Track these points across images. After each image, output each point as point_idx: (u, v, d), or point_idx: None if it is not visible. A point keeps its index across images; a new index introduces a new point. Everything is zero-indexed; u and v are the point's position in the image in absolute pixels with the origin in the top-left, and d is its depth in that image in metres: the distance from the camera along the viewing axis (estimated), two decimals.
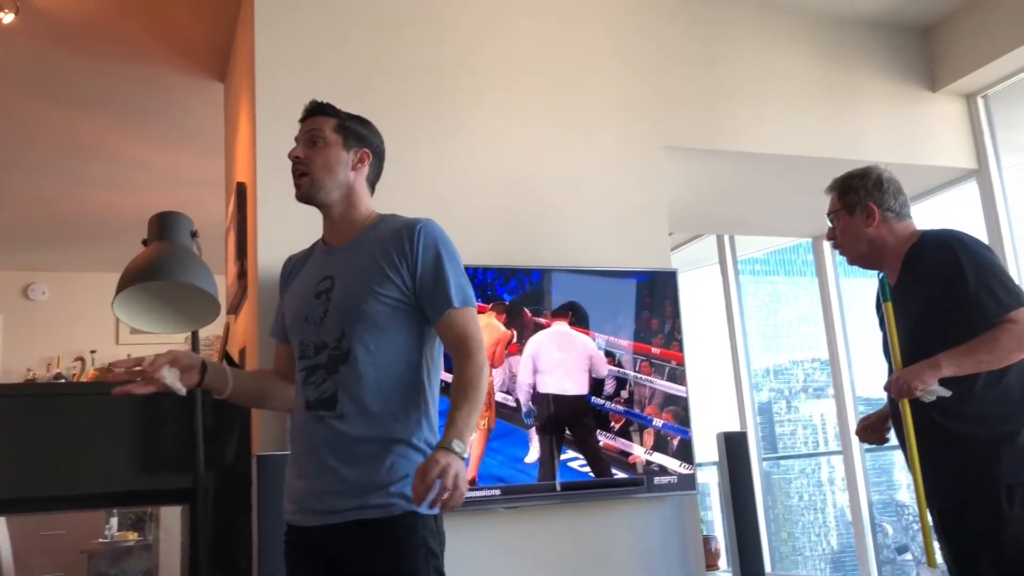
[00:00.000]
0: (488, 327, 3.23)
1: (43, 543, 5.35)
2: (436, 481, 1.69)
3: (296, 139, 2.07)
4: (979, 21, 4.21)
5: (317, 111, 2.07)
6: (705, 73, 4.01)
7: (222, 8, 3.82)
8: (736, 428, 4.92)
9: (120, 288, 2.72)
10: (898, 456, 2.63)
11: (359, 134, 2.07)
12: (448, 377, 1.93)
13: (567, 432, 3.30)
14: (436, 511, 1.85)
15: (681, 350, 3.53)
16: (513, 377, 3.27)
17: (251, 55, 3.33)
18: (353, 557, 1.82)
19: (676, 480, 3.42)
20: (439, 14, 3.60)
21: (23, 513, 4.28)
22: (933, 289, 2.31)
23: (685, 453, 3.45)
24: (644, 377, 3.45)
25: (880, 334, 2.49)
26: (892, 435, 2.50)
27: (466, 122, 3.53)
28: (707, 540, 5.43)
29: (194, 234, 2.96)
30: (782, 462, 6.03)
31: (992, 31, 4.14)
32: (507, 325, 3.29)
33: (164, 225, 2.93)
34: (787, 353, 6.12)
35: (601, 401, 3.38)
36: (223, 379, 2.07)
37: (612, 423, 3.38)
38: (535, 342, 3.31)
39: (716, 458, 3.56)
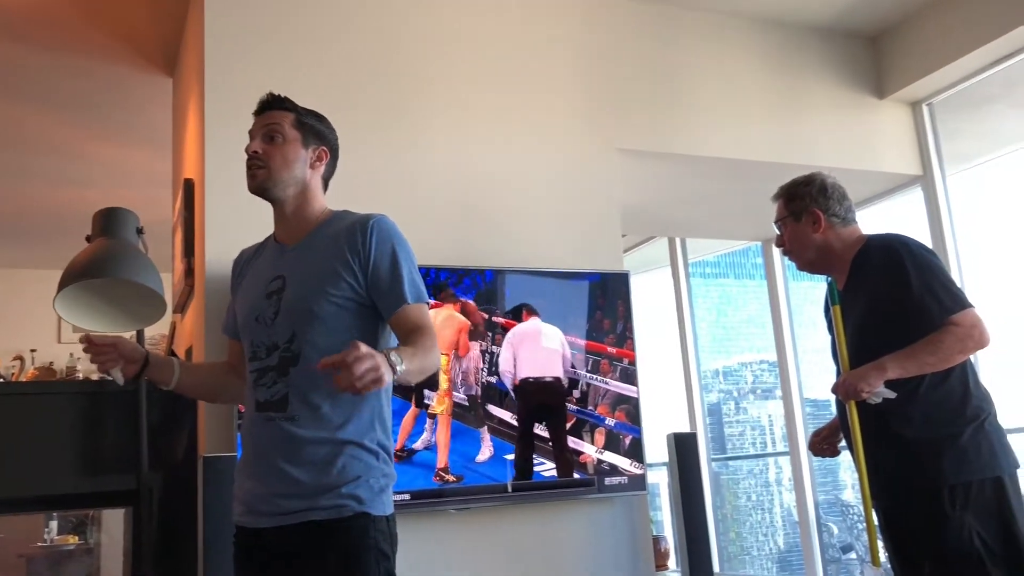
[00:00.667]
0: (449, 319, 3.24)
1: None
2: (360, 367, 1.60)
3: (250, 133, 2.01)
4: (926, 30, 4.30)
5: (275, 104, 2.02)
6: (658, 77, 4.04)
7: (171, 2, 3.75)
8: (686, 429, 4.97)
9: (62, 285, 2.65)
10: (844, 457, 2.66)
11: (318, 131, 2.04)
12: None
13: (540, 424, 3.33)
14: (388, 512, 1.83)
15: (633, 350, 3.55)
16: (466, 373, 3.26)
17: (200, 50, 3.27)
18: (303, 559, 1.80)
19: (627, 480, 3.44)
20: (393, 12, 3.57)
21: None
22: (879, 292, 2.35)
23: (636, 452, 3.47)
24: (597, 377, 3.47)
25: (829, 337, 2.53)
26: (844, 445, 2.54)
27: (419, 122, 3.51)
28: (657, 540, 5.47)
29: (140, 231, 2.90)
30: (731, 462, 6.10)
31: (938, 40, 4.23)
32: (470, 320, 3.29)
33: (109, 221, 2.86)
34: (736, 355, 6.20)
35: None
36: (168, 371, 2.04)
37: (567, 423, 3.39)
38: (516, 334, 3.34)
39: (666, 459, 3.59)
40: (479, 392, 3.28)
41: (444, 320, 3.23)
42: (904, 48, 4.40)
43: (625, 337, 3.55)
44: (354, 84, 3.41)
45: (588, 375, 3.47)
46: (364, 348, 1.62)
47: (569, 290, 3.51)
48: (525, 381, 3.35)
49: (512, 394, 3.32)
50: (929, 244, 3.85)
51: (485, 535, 3.26)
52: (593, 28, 3.96)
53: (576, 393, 3.44)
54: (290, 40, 3.36)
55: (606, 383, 3.48)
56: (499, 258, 3.46)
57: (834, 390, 2.37)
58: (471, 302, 3.30)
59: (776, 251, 5.24)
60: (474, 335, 3.29)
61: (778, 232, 2.59)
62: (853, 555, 5.09)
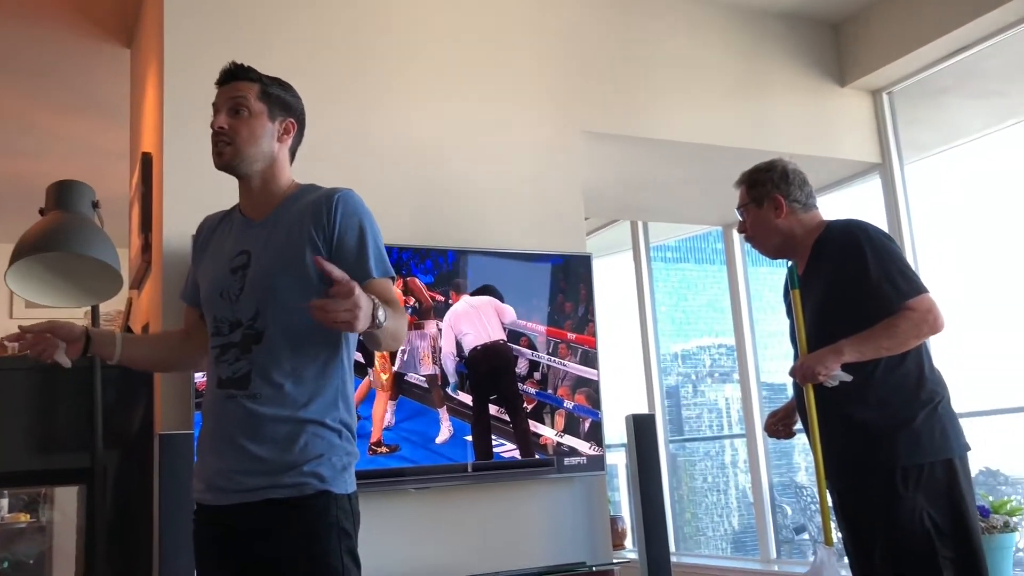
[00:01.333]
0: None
1: None
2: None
3: (215, 106, 1.96)
4: (887, 19, 4.35)
5: (239, 75, 1.97)
6: (623, 60, 4.04)
7: None
8: (644, 411, 5.01)
9: (14, 259, 2.60)
10: (798, 440, 2.70)
11: (284, 102, 1.99)
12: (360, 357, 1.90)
13: (494, 391, 3.35)
14: (350, 490, 1.83)
15: (594, 334, 3.56)
16: (419, 355, 3.25)
17: (159, 20, 3.21)
18: (264, 537, 1.78)
19: (585, 461, 3.47)
20: None
21: None
22: (837, 277, 2.38)
23: (595, 435, 3.49)
24: (557, 360, 3.48)
25: (788, 321, 2.56)
26: (799, 427, 2.57)
27: (382, 98, 3.48)
28: (614, 520, 5.53)
29: (95, 204, 2.84)
30: (688, 444, 6.18)
31: (899, 29, 4.28)
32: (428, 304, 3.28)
33: (63, 194, 2.80)
34: (695, 339, 6.26)
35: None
36: (110, 345, 1.99)
37: (525, 405, 3.40)
38: (450, 315, 3.33)
39: (624, 440, 3.62)
40: (438, 372, 3.27)
41: None
42: (866, 36, 4.45)
43: (587, 320, 3.56)
44: (316, 57, 3.37)
45: (548, 357, 3.48)
46: (358, 289, 1.63)
47: (531, 272, 3.52)
48: (473, 351, 3.35)
49: (463, 373, 3.32)
50: (886, 231, 3.91)
51: (445, 514, 3.26)
52: (558, 10, 3.95)
53: (537, 375, 3.45)
54: (251, 11, 3.31)
55: (565, 365, 3.50)
56: (462, 239, 3.45)
57: (792, 373, 2.40)
58: (417, 280, 3.28)
59: (736, 236, 5.29)
60: (427, 314, 3.28)
61: (740, 218, 2.61)
62: (806, 535, 5.19)
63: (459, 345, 3.33)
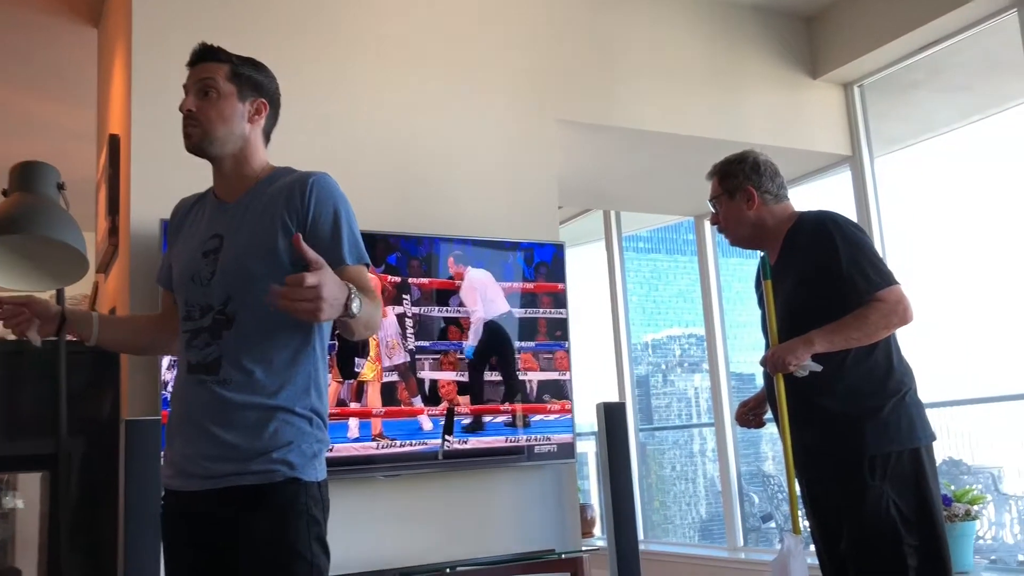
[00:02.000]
0: None
1: None
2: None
3: (185, 87, 1.92)
4: (859, 12, 4.38)
5: (208, 55, 1.92)
6: (596, 49, 4.04)
7: None
8: (615, 399, 5.03)
9: None
10: (766, 430, 2.73)
11: (255, 82, 1.95)
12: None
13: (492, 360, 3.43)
14: (320, 478, 1.81)
15: (565, 328, 3.57)
16: (388, 340, 3.24)
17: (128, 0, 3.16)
18: (233, 523, 1.77)
19: (556, 449, 3.48)
20: None
21: None
22: (808, 268, 2.40)
23: (564, 393, 3.52)
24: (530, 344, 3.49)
25: (759, 312, 2.58)
26: (769, 416, 2.59)
27: (357, 86, 3.45)
28: (583, 508, 5.56)
29: (61, 186, 2.78)
30: (657, 433, 6.22)
31: (870, 23, 4.31)
32: (397, 289, 3.26)
33: (27, 175, 2.74)
34: (665, 328, 6.29)
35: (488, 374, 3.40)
36: (87, 326, 1.96)
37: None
38: (470, 288, 3.40)
39: (595, 428, 3.63)
40: (407, 360, 3.26)
41: None
42: (838, 30, 4.48)
43: (559, 307, 3.57)
44: (287, 38, 3.33)
45: (521, 344, 3.48)
46: (327, 276, 1.55)
47: (504, 260, 3.51)
48: (491, 322, 3.43)
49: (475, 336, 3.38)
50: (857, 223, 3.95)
51: (415, 502, 3.26)
52: None
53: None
54: None
55: (536, 348, 3.51)
56: (434, 226, 3.43)
57: (762, 363, 2.42)
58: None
59: (707, 226, 5.32)
60: (386, 298, 3.26)
61: (713, 210, 2.62)
62: (772, 524, 5.25)
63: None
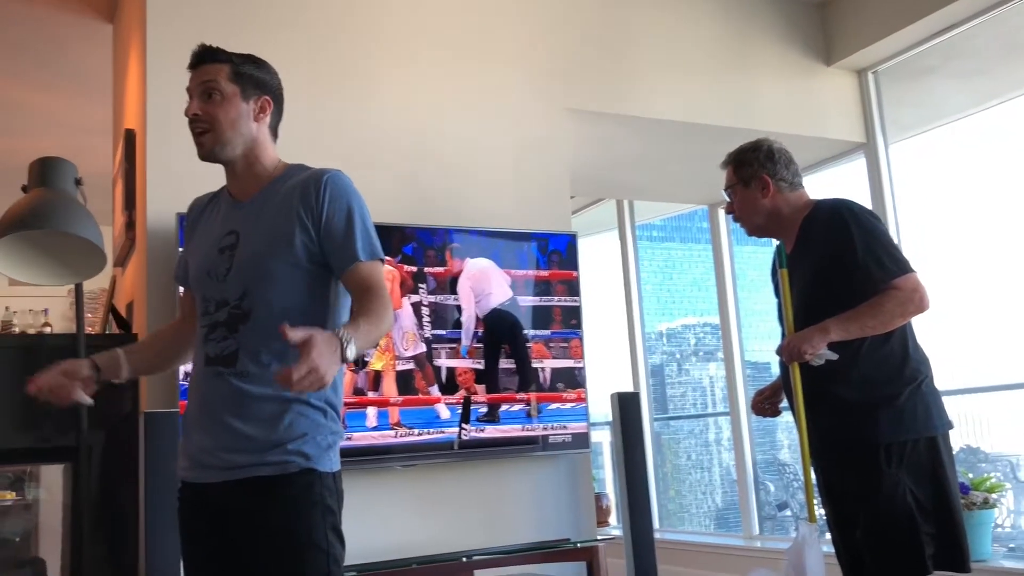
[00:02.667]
0: None
1: None
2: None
3: (188, 91, 1.93)
4: None
5: (208, 57, 1.94)
6: (608, 38, 4.03)
7: None
8: (629, 389, 5.04)
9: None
10: (781, 418, 2.72)
11: (257, 80, 1.96)
12: None
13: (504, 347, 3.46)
14: (334, 468, 1.83)
15: (579, 316, 3.58)
16: (403, 332, 3.26)
17: None
18: (249, 514, 1.79)
19: (570, 439, 3.49)
20: None
21: None
22: (824, 256, 2.39)
23: (578, 381, 3.53)
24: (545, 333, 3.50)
25: (776, 300, 2.57)
26: (785, 405, 2.59)
27: (369, 77, 3.46)
28: (599, 497, 5.57)
29: (78, 181, 2.81)
30: (672, 423, 6.22)
31: (884, 9, 4.28)
32: (414, 279, 3.28)
33: (46, 171, 2.78)
34: (680, 318, 6.28)
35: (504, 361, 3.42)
36: (116, 367, 1.97)
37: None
38: (467, 279, 3.40)
39: (609, 418, 3.64)
40: (424, 350, 3.28)
41: None
42: (852, 15, 4.45)
43: (572, 295, 3.57)
44: (299, 33, 3.34)
45: (536, 332, 3.49)
46: (316, 341, 1.58)
47: (518, 250, 3.52)
48: (495, 310, 3.44)
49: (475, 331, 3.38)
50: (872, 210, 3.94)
51: (430, 492, 3.28)
52: None
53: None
54: None
55: (551, 336, 3.51)
56: (447, 217, 3.44)
57: (778, 352, 2.42)
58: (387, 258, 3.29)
59: (721, 215, 5.30)
60: (404, 289, 3.28)
61: (727, 199, 2.61)
62: (788, 512, 5.24)
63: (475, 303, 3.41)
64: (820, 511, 2.49)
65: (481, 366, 3.37)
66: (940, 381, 2.41)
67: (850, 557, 2.38)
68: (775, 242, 2.58)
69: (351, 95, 3.40)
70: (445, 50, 3.63)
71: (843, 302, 2.30)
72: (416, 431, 3.22)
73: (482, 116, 3.65)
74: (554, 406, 3.48)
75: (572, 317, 3.57)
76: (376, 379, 3.19)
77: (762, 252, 4.10)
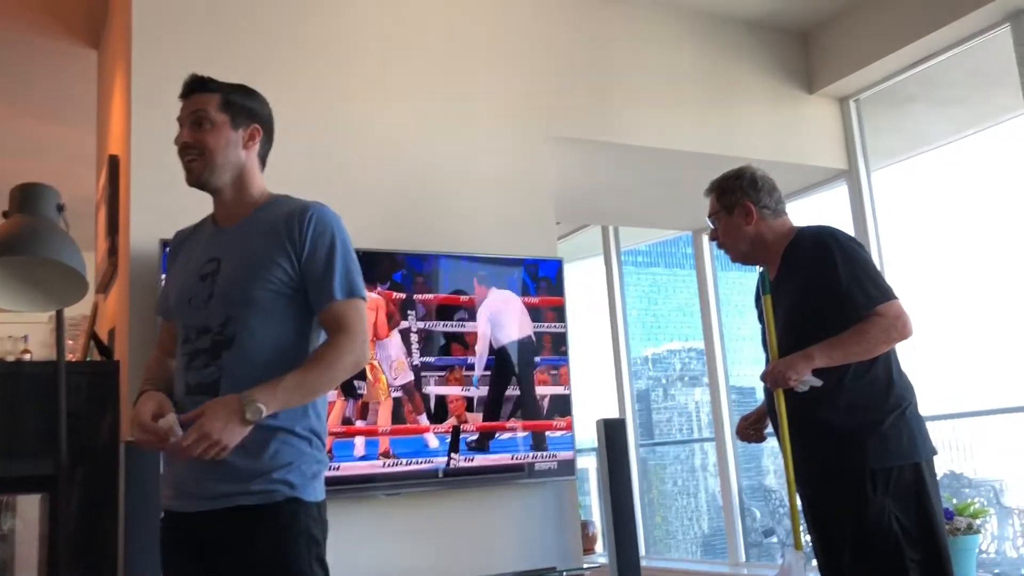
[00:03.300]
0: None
1: None
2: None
3: (179, 120, 1.94)
4: (854, 27, 4.40)
5: (198, 87, 1.95)
6: (592, 66, 4.06)
7: None
8: (615, 415, 5.03)
9: None
10: (767, 444, 2.73)
11: (247, 109, 1.97)
12: None
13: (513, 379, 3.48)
14: (319, 498, 1.82)
15: (565, 343, 3.57)
16: (391, 360, 3.24)
17: (128, 22, 3.17)
18: (233, 543, 1.77)
19: (556, 466, 3.47)
20: None
21: None
22: (808, 283, 2.40)
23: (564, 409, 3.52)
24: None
25: (760, 326, 2.58)
26: (770, 431, 2.59)
27: (349, 102, 3.47)
28: (585, 525, 5.54)
29: (60, 207, 2.79)
30: (658, 448, 6.21)
31: (866, 37, 4.34)
32: (402, 308, 3.27)
33: (27, 197, 2.75)
34: (665, 343, 6.29)
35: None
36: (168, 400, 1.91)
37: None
38: (487, 310, 3.44)
39: (595, 444, 3.63)
40: (412, 379, 3.26)
41: None
42: (834, 45, 4.50)
43: (560, 322, 3.57)
44: (282, 58, 3.35)
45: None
46: (207, 416, 1.67)
47: (503, 276, 3.52)
48: (512, 342, 3.48)
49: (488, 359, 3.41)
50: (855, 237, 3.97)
51: (415, 521, 3.25)
52: (529, 16, 3.96)
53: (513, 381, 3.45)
54: (220, 16, 3.28)
55: (539, 364, 3.51)
56: (433, 243, 3.44)
57: (763, 378, 2.42)
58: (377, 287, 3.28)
59: (705, 240, 5.33)
60: (391, 319, 3.26)
61: (712, 226, 2.62)
62: (774, 539, 5.23)
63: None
64: (806, 537, 2.48)
65: (471, 393, 3.35)
66: (924, 406, 2.42)
67: None
68: (759, 268, 2.59)
69: (337, 125, 3.41)
70: (430, 80, 3.65)
71: (827, 328, 2.31)
72: (404, 461, 3.20)
73: (467, 144, 3.66)
74: (545, 434, 3.47)
75: (561, 344, 3.56)
76: (364, 408, 3.17)
77: (746, 278, 4.12)
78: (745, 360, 5.28)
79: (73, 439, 2.82)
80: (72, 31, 4.12)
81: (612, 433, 3.49)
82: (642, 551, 5.20)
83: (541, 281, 3.58)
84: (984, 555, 3.98)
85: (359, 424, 3.15)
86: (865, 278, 2.33)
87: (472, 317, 3.41)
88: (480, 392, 3.38)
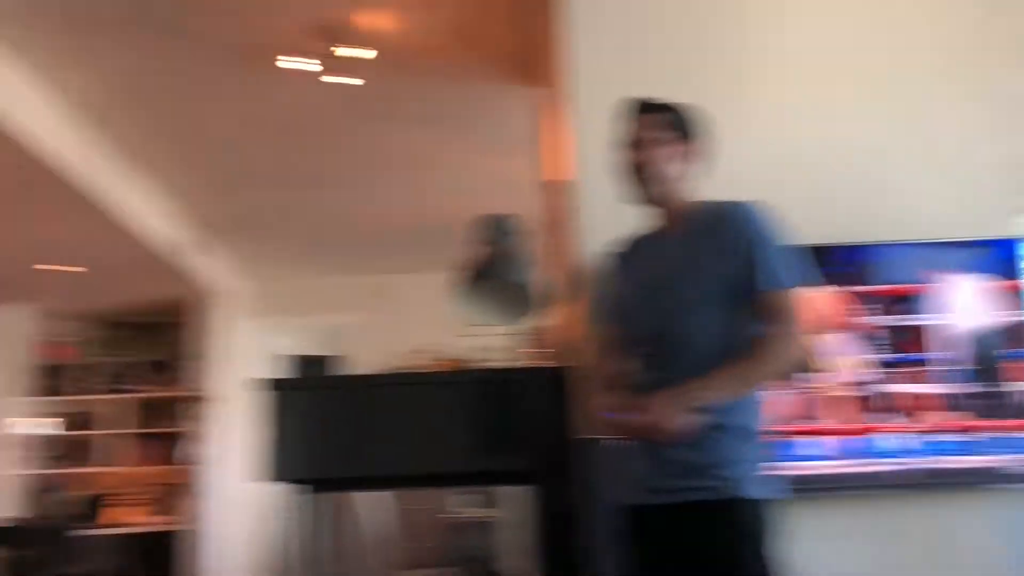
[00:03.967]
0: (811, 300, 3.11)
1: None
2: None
3: (628, 142, 2.11)
4: None
5: (647, 110, 2.12)
6: None
7: (532, 17, 4.01)
8: None
9: (457, 286, 2.96)
10: None
11: (689, 127, 2.10)
12: None
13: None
14: (765, 495, 1.85)
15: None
16: (855, 360, 3.12)
17: (566, 57, 3.43)
18: (682, 537, 1.88)
19: None
20: None
21: (387, 489, 4.72)
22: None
23: None
24: None
25: None
26: None
27: (782, 103, 3.41)
28: None
29: (519, 233, 3.14)
30: None
31: None
32: (864, 300, 3.14)
33: (492, 226, 3.14)
34: None
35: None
36: None
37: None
38: (947, 296, 3.18)
39: None
40: (867, 377, 3.09)
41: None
42: None
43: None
44: (715, 72, 3.39)
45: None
46: (658, 403, 1.83)
47: (955, 263, 3.20)
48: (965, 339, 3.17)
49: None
50: None
51: (883, 523, 3.06)
52: None
53: None
54: (649, 38, 3.44)
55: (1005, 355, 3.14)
56: (884, 232, 3.22)
57: None
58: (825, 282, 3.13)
59: None
60: (845, 314, 3.12)
61: None
62: None
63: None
64: None
65: (932, 390, 3.10)
66: None
67: None
68: None
69: (768, 126, 3.37)
70: (852, 58, 3.47)
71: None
72: (864, 461, 3.04)
73: (903, 121, 3.39)
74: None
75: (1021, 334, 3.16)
76: (816, 405, 3.08)
77: None
78: None
79: (546, 437, 3.09)
80: (508, 73, 4.61)
81: None
82: None
83: (1002, 264, 3.21)
84: None
85: (814, 423, 3.07)
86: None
87: (927, 308, 3.16)
88: (943, 388, 3.11)
